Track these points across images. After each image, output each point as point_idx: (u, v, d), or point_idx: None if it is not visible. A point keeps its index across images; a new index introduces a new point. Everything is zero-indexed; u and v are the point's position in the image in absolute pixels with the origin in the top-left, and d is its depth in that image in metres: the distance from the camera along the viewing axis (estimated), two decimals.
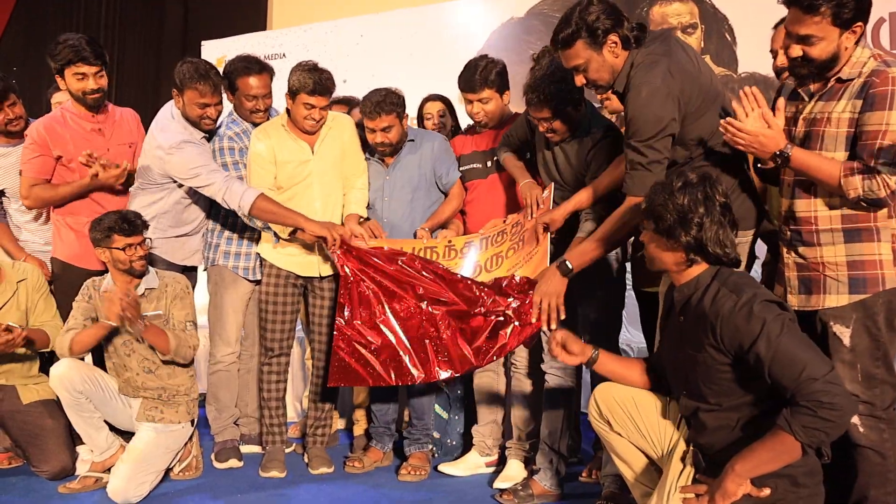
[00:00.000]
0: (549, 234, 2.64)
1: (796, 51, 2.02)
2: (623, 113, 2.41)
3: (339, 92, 3.35)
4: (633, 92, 2.25)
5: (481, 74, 2.95)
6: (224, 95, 3.19)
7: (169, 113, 3.19)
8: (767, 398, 1.90)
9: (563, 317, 2.47)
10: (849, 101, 2.02)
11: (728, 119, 2.07)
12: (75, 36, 3.15)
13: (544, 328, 2.49)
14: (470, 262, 2.85)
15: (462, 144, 3.23)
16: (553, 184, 2.77)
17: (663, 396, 2.20)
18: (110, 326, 2.86)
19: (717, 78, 2.45)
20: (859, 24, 1.98)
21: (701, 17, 5.29)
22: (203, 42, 6.67)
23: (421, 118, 3.58)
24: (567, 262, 2.44)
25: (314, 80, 2.93)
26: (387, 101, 2.99)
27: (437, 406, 3.35)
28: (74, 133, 3.21)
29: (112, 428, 3.03)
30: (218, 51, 6.57)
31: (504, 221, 2.89)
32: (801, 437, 1.74)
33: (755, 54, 4.70)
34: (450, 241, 2.94)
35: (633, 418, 2.18)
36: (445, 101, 3.54)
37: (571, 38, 2.28)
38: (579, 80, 2.36)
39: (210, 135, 3.22)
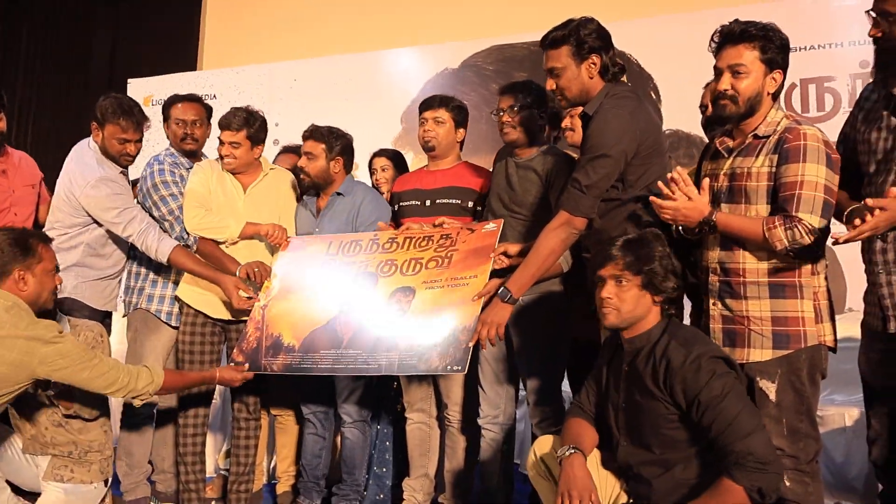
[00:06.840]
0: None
1: (726, 81, 2.16)
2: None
3: (271, 136, 3.32)
4: (601, 114, 2.35)
5: (443, 98, 3.04)
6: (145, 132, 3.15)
7: (86, 146, 3.10)
8: (710, 453, 1.92)
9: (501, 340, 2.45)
10: (766, 157, 2.15)
11: (652, 198, 2.18)
12: None
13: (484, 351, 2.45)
14: (388, 258, 2.78)
15: (404, 182, 3.17)
16: (502, 220, 2.68)
17: (602, 448, 2.18)
18: None
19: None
20: (779, 70, 2.16)
21: (627, 76, 5.49)
22: (129, 80, 6.49)
23: (372, 171, 3.60)
24: (508, 289, 2.35)
25: (222, 116, 3.07)
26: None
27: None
28: None
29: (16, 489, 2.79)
30: (145, 90, 6.39)
31: (434, 226, 2.81)
32: (747, 485, 1.81)
33: (679, 113, 4.88)
34: (375, 235, 2.90)
35: None
36: (390, 156, 3.56)
37: (560, 41, 2.40)
38: (550, 83, 2.46)
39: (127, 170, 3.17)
